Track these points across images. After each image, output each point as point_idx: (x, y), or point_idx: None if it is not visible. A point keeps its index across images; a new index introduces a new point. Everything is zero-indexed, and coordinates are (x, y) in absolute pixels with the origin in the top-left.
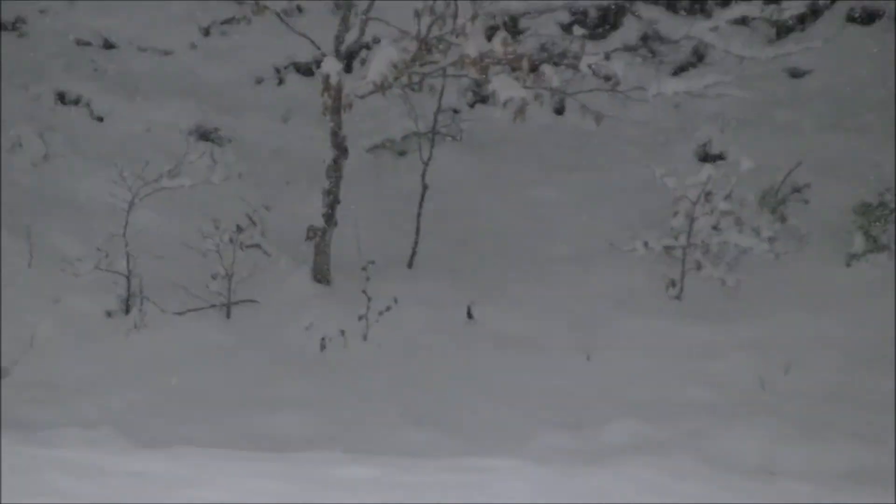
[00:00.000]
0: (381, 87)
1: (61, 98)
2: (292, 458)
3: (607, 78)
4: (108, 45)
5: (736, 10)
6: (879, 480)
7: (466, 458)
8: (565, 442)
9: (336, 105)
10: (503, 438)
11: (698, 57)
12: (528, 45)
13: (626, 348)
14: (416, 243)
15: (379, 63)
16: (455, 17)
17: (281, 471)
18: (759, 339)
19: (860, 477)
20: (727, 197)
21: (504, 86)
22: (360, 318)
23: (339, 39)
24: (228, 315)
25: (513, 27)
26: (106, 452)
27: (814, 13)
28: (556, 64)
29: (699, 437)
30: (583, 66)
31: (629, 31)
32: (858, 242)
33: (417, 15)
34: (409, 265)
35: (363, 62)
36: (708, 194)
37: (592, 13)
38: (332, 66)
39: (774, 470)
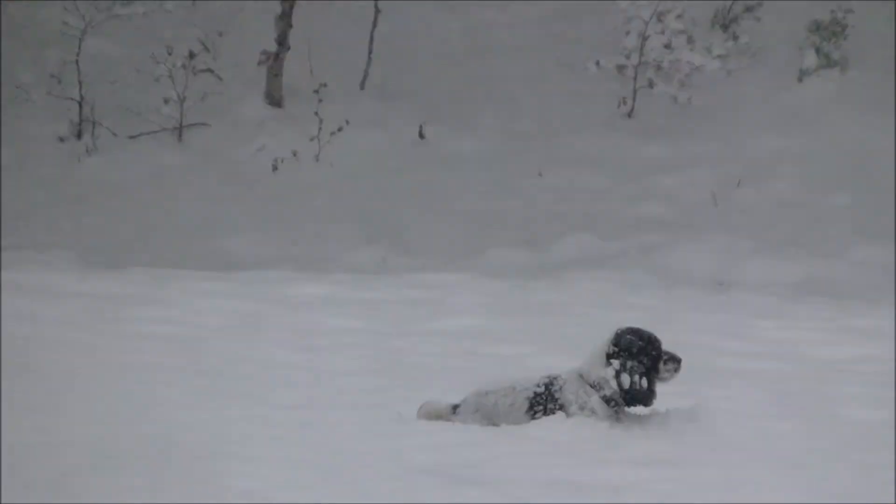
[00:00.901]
0: None
1: None
2: (245, 277)
3: None
4: None
5: None
6: (830, 291)
7: (420, 274)
8: (518, 257)
9: None
10: (456, 255)
11: None
12: None
13: (578, 165)
14: (368, 65)
15: None
16: None
17: (234, 290)
18: (711, 154)
19: (811, 288)
20: (679, 16)
21: None
22: (312, 139)
23: None
24: (181, 138)
25: None
26: (59, 274)
27: None
28: None
29: (651, 251)
30: None
31: None
32: (810, 59)
33: None
34: (362, 87)
35: None
36: (660, 14)
37: None
38: None
39: (725, 282)
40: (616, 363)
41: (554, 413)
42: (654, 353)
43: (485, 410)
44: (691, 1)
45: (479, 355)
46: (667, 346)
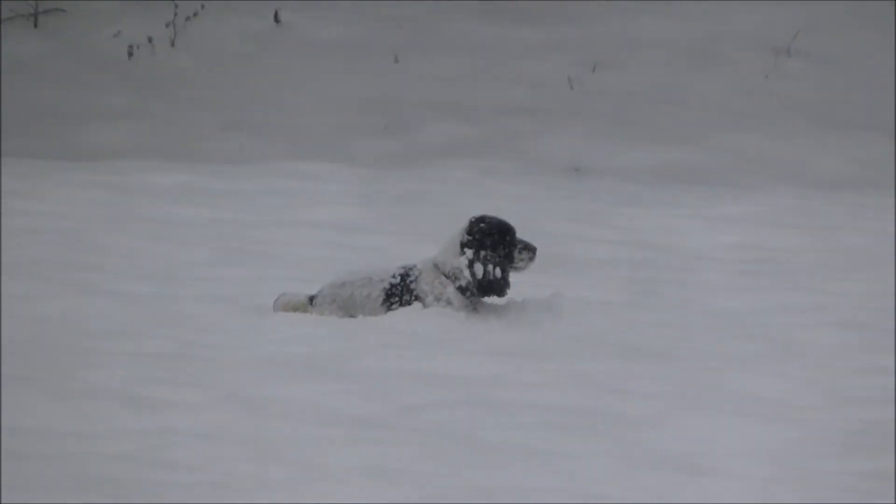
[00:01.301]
0: None
1: None
2: (103, 165)
3: None
4: None
5: None
6: (693, 178)
7: (279, 163)
8: (380, 145)
9: None
10: (317, 144)
11: None
12: None
13: (436, 51)
14: None
15: None
16: None
17: (93, 180)
18: (570, 38)
19: (673, 175)
20: None
21: None
22: (168, 24)
23: None
24: (36, 24)
25: None
26: None
27: None
28: None
29: (512, 139)
30: None
31: None
32: None
33: None
34: None
35: None
36: None
37: None
38: None
39: (583, 168)
40: (469, 252)
41: (410, 304)
42: (507, 241)
43: (341, 301)
44: None
45: (342, 246)
46: (526, 233)
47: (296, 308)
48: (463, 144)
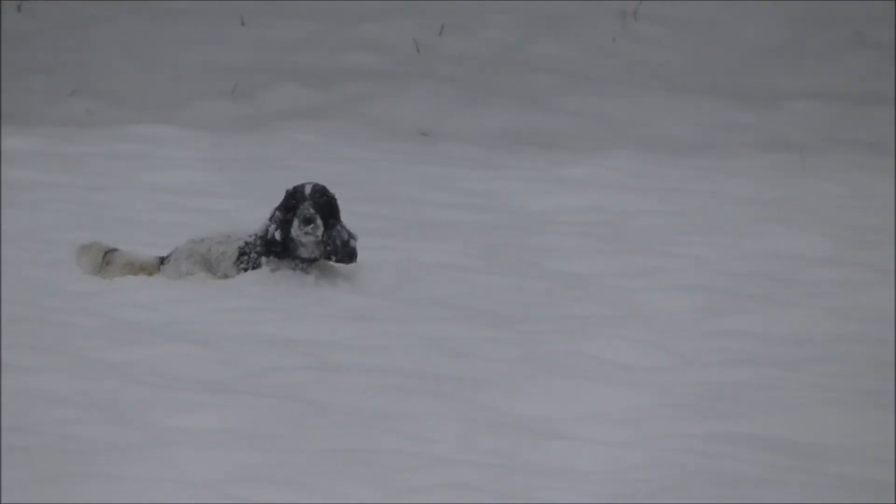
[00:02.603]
0: None
1: None
2: None
3: None
4: None
5: None
6: (539, 141)
7: (125, 127)
8: (226, 109)
9: None
10: (164, 107)
11: None
12: None
13: (281, 14)
14: None
15: None
16: None
17: None
18: (415, 2)
19: (519, 138)
20: None
21: None
22: None
23: None
24: None
25: None
26: None
27: None
28: None
29: (359, 102)
30: None
31: None
32: None
33: None
34: None
35: None
36: None
37: None
38: None
39: (430, 132)
40: (271, 214)
41: (259, 265)
42: (293, 207)
43: (197, 256)
44: None
45: (188, 210)
46: (372, 197)
47: (141, 268)
48: (309, 109)
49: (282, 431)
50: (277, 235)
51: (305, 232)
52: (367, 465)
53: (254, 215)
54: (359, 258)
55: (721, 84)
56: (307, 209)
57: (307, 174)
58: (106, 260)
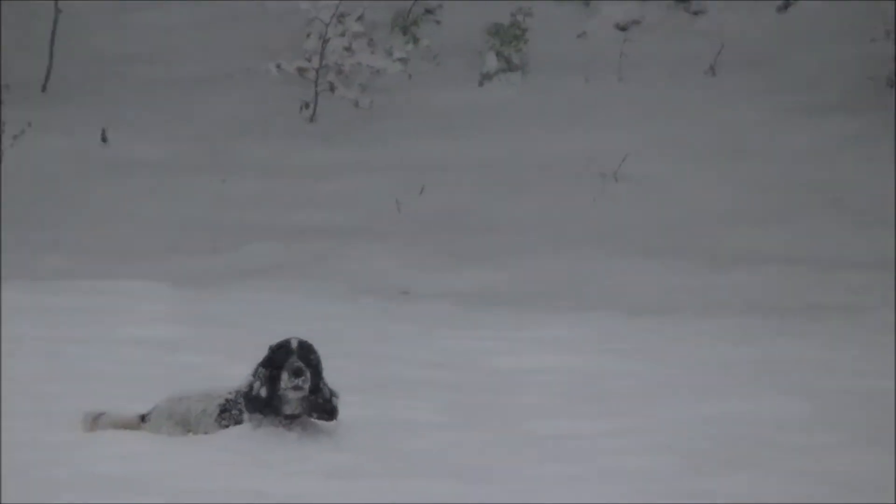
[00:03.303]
0: None
1: None
2: None
3: None
4: None
5: None
6: (509, 300)
7: (103, 282)
8: (203, 264)
9: None
10: (141, 261)
11: None
12: None
13: (261, 171)
14: (49, 67)
15: None
16: None
17: None
18: (394, 160)
19: (490, 297)
20: (359, 18)
21: None
22: None
23: None
24: None
25: None
26: None
27: None
28: None
29: (336, 260)
30: None
31: None
32: (491, 62)
33: None
34: (44, 89)
35: None
36: (341, 16)
37: None
38: None
39: (409, 290)
40: (254, 370)
41: (241, 422)
42: (280, 362)
43: (178, 416)
44: (371, 1)
45: (166, 364)
46: (347, 354)
47: (125, 426)
48: (287, 264)
49: None
50: (263, 392)
51: (295, 385)
52: None
53: (231, 371)
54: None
55: (696, 247)
56: (296, 362)
57: (280, 330)
58: (94, 423)
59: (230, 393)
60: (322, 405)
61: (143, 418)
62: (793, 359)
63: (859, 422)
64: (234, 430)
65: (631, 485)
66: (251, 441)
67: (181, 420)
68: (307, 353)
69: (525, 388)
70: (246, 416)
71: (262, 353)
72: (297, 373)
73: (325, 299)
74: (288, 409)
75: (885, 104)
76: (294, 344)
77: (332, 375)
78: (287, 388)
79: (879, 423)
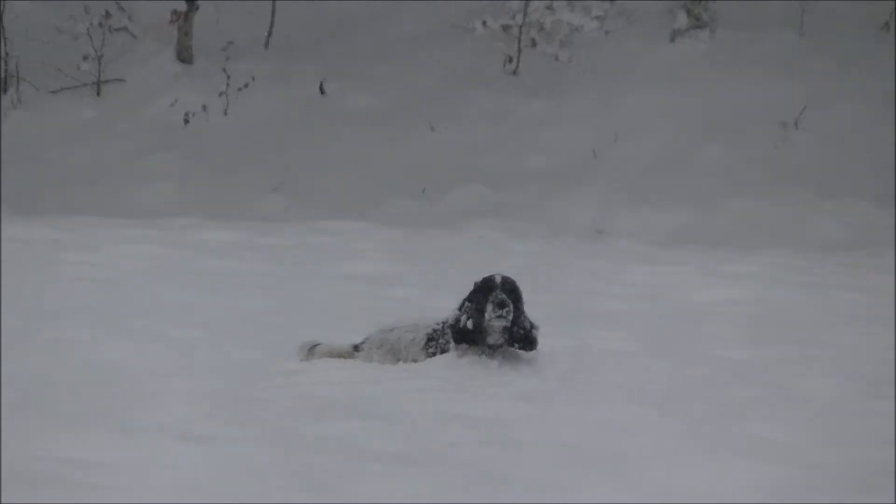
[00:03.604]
0: None
1: None
2: (160, 223)
3: None
4: None
5: None
6: (702, 239)
7: (321, 222)
8: (413, 207)
9: None
10: (355, 204)
11: None
12: None
13: (467, 121)
14: (271, 25)
15: None
16: None
17: (149, 236)
18: (590, 110)
19: (684, 236)
20: None
21: None
22: (221, 94)
23: None
24: (99, 93)
25: None
26: None
27: None
28: None
29: (537, 203)
30: None
31: None
32: (682, 19)
33: None
34: (266, 45)
35: None
36: None
37: None
38: None
39: (604, 230)
40: (461, 304)
41: (447, 350)
42: (485, 296)
43: (388, 345)
44: None
45: (378, 297)
46: (548, 289)
47: (339, 356)
48: (489, 207)
49: (459, 497)
50: (469, 324)
51: (499, 315)
52: None
53: (437, 303)
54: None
55: (868, 189)
56: (500, 295)
57: (486, 267)
58: (310, 353)
59: (437, 323)
60: (522, 336)
61: (356, 348)
62: None
63: None
64: (440, 359)
65: (813, 408)
66: (456, 369)
67: (391, 349)
68: (510, 287)
69: (713, 319)
70: (452, 345)
71: (467, 289)
72: (500, 305)
73: (526, 238)
74: (491, 340)
75: None
76: (498, 279)
77: (533, 308)
78: (492, 319)
79: None
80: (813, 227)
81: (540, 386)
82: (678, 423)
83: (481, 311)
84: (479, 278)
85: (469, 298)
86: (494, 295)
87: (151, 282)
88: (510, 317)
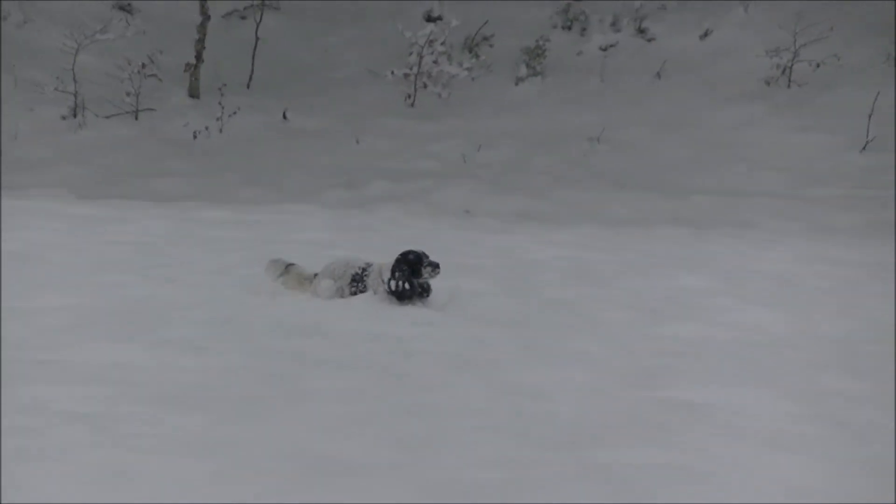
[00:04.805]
0: None
1: None
2: (175, 205)
3: None
4: None
5: None
6: (537, 217)
7: (283, 205)
8: (343, 196)
9: None
10: (305, 194)
11: None
12: None
13: (380, 136)
14: (251, 73)
15: None
16: None
17: (166, 213)
18: (462, 130)
19: (526, 216)
20: (442, 42)
21: None
22: (217, 119)
23: None
24: (136, 118)
25: None
26: (62, 203)
27: None
28: None
29: (426, 192)
30: None
31: None
32: (523, 70)
33: None
34: (248, 86)
35: None
36: (431, 41)
37: None
38: None
39: (471, 211)
40: (393, 273)
41: (364, 291)
42: (415, 265)
43: (330, 273)
44: (450, 29)
45: (320, 255)
46: (435, 250)
47: (304, 277)
48: (394, 195)
49: (373, 389)
50: (406, 286)
51: (433, 274)
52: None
53: (364, 257)
54: (411, 297)
55: (651, 184)
56: (430, 261)
57: (391, 237)
58: (286, 270)
59: (359, 268)
60: (427, 287)
61: (314, 275)
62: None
63: None
64: (362, 297)
65: (611, 330)
66: (371, 303)
67: (330, 275)
68: (426, 257)
69: (544, 271)
70: (370, 289)
71: (379, 249)
72: (434, 266)
73: (419, 217)
74: (416, 296)
75: None
76: (421, 251)
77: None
78: (429, 277)
79: None
80: (610, 210)
81: (427, 314)
82: (522, 340)
83: (417, 275)
84: (399, 252)
85: (398, 269)
86: (427, 261)
87: (167, 244)
88: (437, 273)
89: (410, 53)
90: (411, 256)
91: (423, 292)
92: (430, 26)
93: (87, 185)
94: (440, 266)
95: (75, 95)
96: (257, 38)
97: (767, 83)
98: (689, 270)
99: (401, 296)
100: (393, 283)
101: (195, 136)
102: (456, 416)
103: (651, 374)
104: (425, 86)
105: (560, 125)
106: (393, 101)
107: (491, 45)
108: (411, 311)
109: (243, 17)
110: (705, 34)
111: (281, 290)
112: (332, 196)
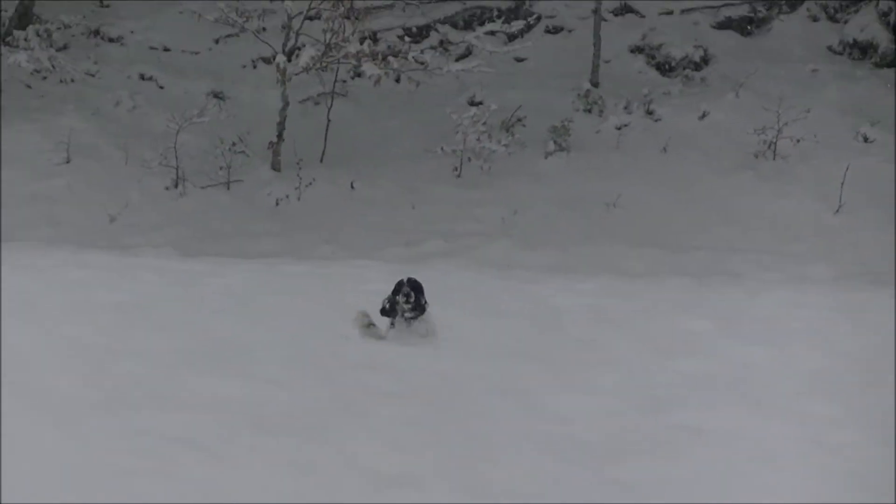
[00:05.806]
0: (306, 69)
1: (141, 76)
2: (262, 261)
3: (422, 63)
4: (166, 49)
5: (487, 27)
6: (563, 270)
7: (352, 260)
8: (401, 252)
9: (283, 79)
10: (369, 251)
11: (468, 51)
12: (381, 45)
13: (432, 203)
14: (324, 149)
15: (305, 56)
16: (344, 32)
17: (257, 268)
18: (500, 197)
19: (554, 268)
20: (484, 123)
21: (369, 67)
22: (296, 188)
23: (284, 44)
24: (228, 188)
25: (373, 36)
26: (168, 260)
27: (528, 27)
28: (395, 56)
29: (471, 249)
30: (409, 56)
31: (433, 37)
32: (551, 145)
33: (324, 31)
34: (321, 160)
35: (297, 55)
36: (474, 122)
37: (414, 29)
38: (281, 58)
39: (510, 265)
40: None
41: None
42: (395, 290)
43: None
44: (490, 113)
45: (380, 301)
46: (475, 299)
47: (370, 324)
48: (446, 252)
49: (428, 415)
50: (387, 305)
51: (405, 300)
52: (478, 434)
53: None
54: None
55: (662, 242)
56: (406, 290)
57: (442, 285)
58: (367, 323)
59: (386, 301)
60: (422, 307)
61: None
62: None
63: None
64: (420, 340)
65: (619, 358)
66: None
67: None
68: (414, 284)
69: (569, 314)
70: (388, 320)
71: (434, 296)
72: (406, 295)
73: (466, 269)
74: (407, 314)
75: None
76: (405, 280)
77: (458, 302)
78: (402, 302)
79: None
80: (625, 264)
81: (469, 350)
82: (551, 372)
83: (394, 298)
84: (446, 296)
85: (392, 293)
86: (403, 290)
87: (258, 292)
88: (412, 299)
89: (457, 132)
90: (397, 284)
91: (415, 312)
92: (473, 109)
93: (188, 244)
94: (412, 298)
95: (177, 169)
96: (329, 121)
97: (755, 156)
98: (692, 314)
99: (382, 312)
100: (383, 303)
101: (277, 203)
102: (497, 437)
103: (661, 402)
104: (470, 160)
105: (582, 192)
106: (443, 172)
107: (524, 125)
108: (457, 349)
109: (317, 103)
110: (703, 115)
111: (354, 334)
112: (392, 253)
